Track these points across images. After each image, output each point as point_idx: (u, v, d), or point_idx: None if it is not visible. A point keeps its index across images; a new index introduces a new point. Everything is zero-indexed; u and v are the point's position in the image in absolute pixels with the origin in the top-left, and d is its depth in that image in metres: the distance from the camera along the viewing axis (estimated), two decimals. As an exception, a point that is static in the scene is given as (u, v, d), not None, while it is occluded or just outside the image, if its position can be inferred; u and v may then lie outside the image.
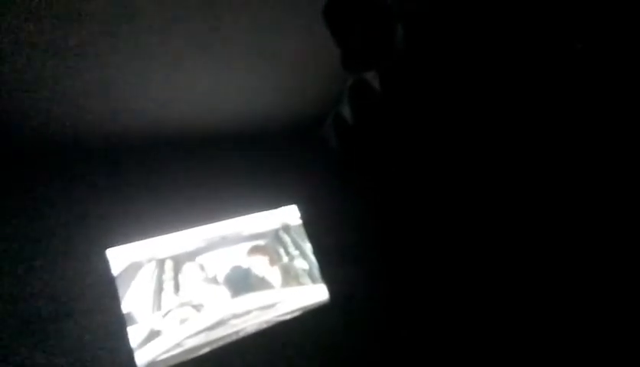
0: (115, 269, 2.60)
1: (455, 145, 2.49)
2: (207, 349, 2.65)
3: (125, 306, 2.54)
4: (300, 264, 3.25)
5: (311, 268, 3.24)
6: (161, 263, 2.78)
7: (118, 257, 2.64)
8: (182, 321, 2.67)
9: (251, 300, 2.93)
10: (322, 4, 1.92)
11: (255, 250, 3.14)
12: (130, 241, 2.71)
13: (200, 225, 2.96)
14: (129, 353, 2.45)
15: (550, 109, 1.82)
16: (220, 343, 2.70)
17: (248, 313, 2.88)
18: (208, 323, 2.75)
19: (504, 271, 2.31)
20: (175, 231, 2.86)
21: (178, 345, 2.61)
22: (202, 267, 2.89)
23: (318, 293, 3.17)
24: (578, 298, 1.79)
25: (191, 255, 2.89)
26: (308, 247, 3.31)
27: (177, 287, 2.75)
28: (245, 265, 3.05)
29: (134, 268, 2.68)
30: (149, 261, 2.74)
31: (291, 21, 2.18)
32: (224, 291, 2.88)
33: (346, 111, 2.62)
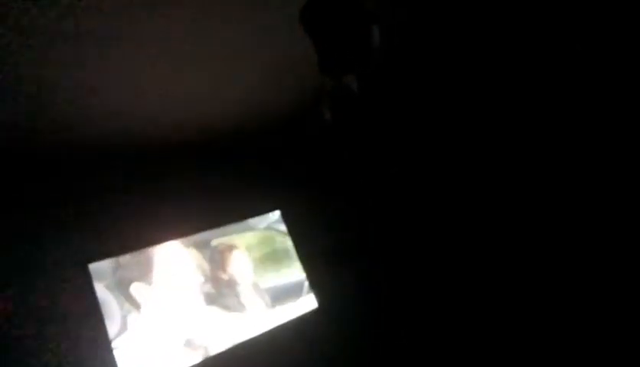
0: (98, 284, 2.54)
1: (441, 146, 2.52)
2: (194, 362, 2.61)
3: (109, 323, 2.48)
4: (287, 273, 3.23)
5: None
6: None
7: (100, 272, 2.58)
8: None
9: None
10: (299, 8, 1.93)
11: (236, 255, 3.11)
12: (112, 256, 2.65)
13: (185, 236, 2.92)
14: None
15: (544, 110, 1.84)
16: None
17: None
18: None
19: (499, 273, 2.33)
20: (158, 243, 2.82)
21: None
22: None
23: (306, 304, 3.15)
24: (578, 298, 1.81)
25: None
26: (293, 253, 3.29)
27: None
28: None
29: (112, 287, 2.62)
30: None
31: (273, 26, 2.18)
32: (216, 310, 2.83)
33: (326, 114, 2.63)
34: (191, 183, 3.12)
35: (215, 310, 2.84)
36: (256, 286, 3.06)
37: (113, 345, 2.45)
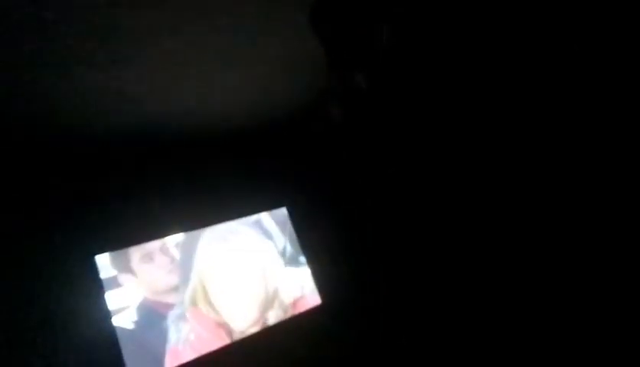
0: (104, 275, 2.57)
1: (446, 144, 2.50)
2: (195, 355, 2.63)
3: (115, 314, 2.51)
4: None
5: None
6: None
7: (106, 263, 2.61)
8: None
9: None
10: (308, 7, 1.93)
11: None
12: (119, 248, 2.68)
13: (190, 230, 2.95)
14: (119, 361, 2.42)
15: (544, 110, 1.83)
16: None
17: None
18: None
19: (501, 271, 2.32)
20: (164, 236, 2.84)
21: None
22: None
23: (310, 297, 3.17)
24: (578, 300, 1.80)
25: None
26: (299, 249, 3.30)
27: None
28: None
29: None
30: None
31: (282, 23, 2.18)
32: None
33: (334, 111, 2.63)
34: (197, 179, 3.13)
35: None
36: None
37: (121, 336, 2.48)
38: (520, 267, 2.17)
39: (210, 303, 2.79)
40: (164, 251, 2.81)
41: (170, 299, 2.71)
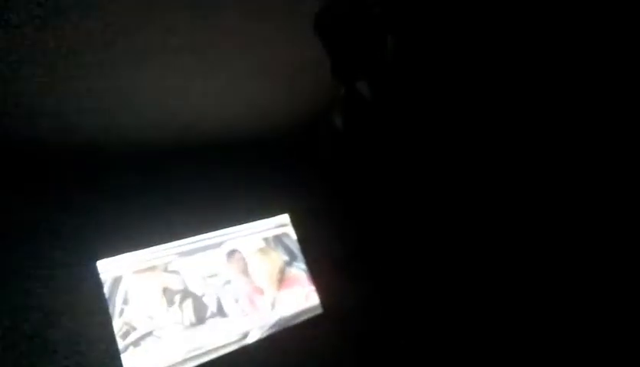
0: (106, 282, 2.56)
1: (449, 152, 2.51)
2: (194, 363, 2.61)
3: (116, 320, 2.50)
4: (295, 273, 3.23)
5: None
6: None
7: (108, 269, 2.60)
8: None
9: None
10: (313, 15, 1.96)
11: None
12: (121, 253, 2.68)
13: (191, 235, 2.95)
14: (119, 367, 2.40)
15: (547, 114, 1.84)
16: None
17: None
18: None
19: (502, 278, 2.31)
20: (166, 242, 2.84)
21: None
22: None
23: (311, 306, 3.15)
24: (578, 303, 1.80)
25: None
26: (300, 257, 3.29)
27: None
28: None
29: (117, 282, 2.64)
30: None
31: (284, 30, 2.20)
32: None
33: (337, 120, 2.64)
34: (200, 184, 3.14)
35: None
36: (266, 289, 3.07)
37: (122, 344, 2.47)
38: (525, 275, 2.16)
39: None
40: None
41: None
